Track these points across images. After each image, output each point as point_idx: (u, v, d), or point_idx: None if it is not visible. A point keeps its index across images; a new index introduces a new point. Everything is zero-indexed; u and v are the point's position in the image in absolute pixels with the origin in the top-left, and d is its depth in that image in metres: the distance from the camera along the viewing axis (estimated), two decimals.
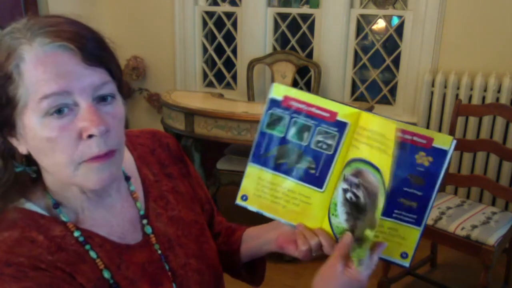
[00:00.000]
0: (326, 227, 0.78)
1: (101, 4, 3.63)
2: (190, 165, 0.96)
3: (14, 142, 0.69)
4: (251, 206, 0.80)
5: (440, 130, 2.75)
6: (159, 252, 0.81)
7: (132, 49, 3.58)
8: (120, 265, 0.75)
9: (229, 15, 3.38)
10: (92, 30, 0.70)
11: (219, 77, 3.56)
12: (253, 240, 0.93)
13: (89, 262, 0.72)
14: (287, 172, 0.78)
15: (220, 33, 3.43)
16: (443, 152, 0.72)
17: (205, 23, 3.48)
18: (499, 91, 2.58)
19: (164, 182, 0.88)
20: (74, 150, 0.66)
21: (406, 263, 0.76)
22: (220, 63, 3.50)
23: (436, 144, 0.72)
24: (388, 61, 3.01)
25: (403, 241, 0.75)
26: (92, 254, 0.72)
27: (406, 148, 0.73)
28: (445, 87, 2.71)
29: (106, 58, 0.69)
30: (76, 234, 0.72)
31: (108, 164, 0.68)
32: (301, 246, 0.77)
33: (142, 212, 0.82)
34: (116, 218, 0.79)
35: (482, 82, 2.59)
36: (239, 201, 0.81)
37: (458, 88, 2.68)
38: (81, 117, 0.65)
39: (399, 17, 2.95)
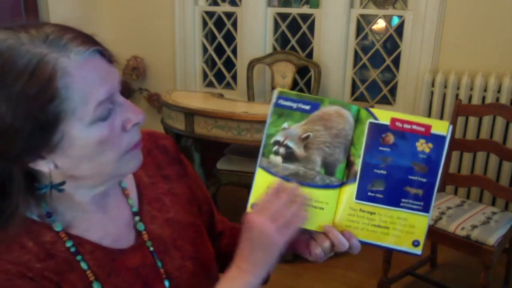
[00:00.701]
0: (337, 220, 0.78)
1: (101, 4, 3.63)
2: (188, 166, 0.95)
3: (38, 163, 0.66)
4: None
5: None
6: (152, 251, 0.80)
7: (132, 49, 3.58)
8: (111, 272, 0.74)
9: (229, 15, 3.38)
10: None
11: (219, 77, 3.56)
12: None
13: (79, 271, 0.71)
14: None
15: (220, 33, 3.43)
16: (442, 138, 0.76)
17: (205, 23, 3.48)
18: (499, 91, 2.58)
19: (160, 184, 0.88)
20: (121, 144, 0.70)
21: (419, 251, 0.77)
22: (220, 63, 3.50)
23: (434, 130, 0.76)
24: (388, 61, 3.01)
25: (414, 229, 0.77)
26: (83, 265, 0.72)
27: (406, 137, 0.76)
28: (445, 87, 2.71)
29: (112, 53, 0.72)
30: (68, 244, 0.72)
31: (140, 148, 0.75)
32: (314, 250, 0.78)
33: (134, 209, 0.82)
34: (112, 221, 0.79)
35: (482, 82, 2.60)
36: (250, 210, 0.80)
37: (458, 88, 2.68)
38: (121, 111, 0.69)
39: (399, 17, 2.95)
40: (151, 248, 0.80)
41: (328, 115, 0.77)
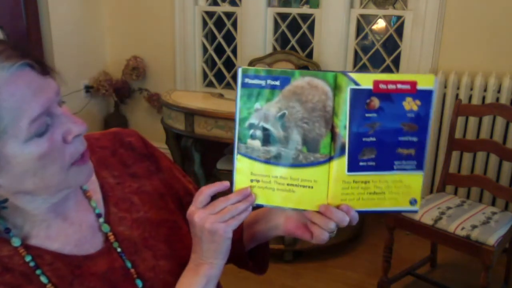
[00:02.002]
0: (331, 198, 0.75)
1: (101, 4, 3.63)
2: (162, 160, 0.93)
3: None
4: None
5: (440, 130, 2.75)
6: (120, 252, 0.78)
7: (132, 49, 3.58)
8: (73, 281, 0.72)
9: (229, 15, 3.38)
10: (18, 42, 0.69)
11: (219, 77, 3.56)
12: (257, 227, 0.87)
13: (37, 284, 0.70)
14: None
15: (220, 33, 3.43)
16: (429, 93, 0.72)
17: (205, 23, 3.48)
18: (499, 91, 2.58)
19: (127, 183, 0.85)
20: (64, 156, 0.68)
21: (416, 208, 0.76)
22: (220, 63, 3.50)
23: (420, 86, 0.72)
24: (388, 61, 3.01)
25: (409, 189, 0.75)
26: (43, 279, 0.70)
27: (392, 98, 0.72)
28: (445, 87, 2.71)
29: (47, 62, 0.69)
30: (27, 259, 0.70)
31: (88, 159, 0.73)
32: (320, 235, 0.74)
33: (97, 211, 0.80)
34: (73, 225, 0.77)
35: (482, 82, 2.59)
36: None
37: (458, 88, 2.68)
38: (61, 123, 0.67)
39: (399, 17, 2.95)
40: (119, 249, 0.78)
41: (301, 88, 0.71)
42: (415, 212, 0.77)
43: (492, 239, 1.91)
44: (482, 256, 1.91)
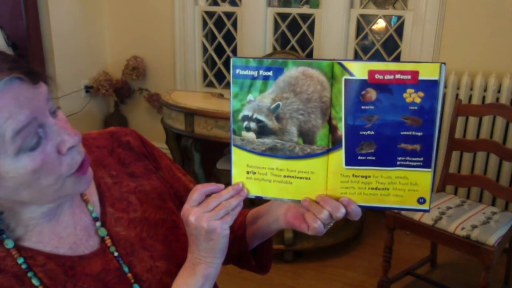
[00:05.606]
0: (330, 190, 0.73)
1: (101, 4, 3.63)
2: (161, 158, 0.92)
3: None
4: (249, 194, 0.75)
5: (440, 130, 2.73)
6: (117, 257, 0.77)
7: (132, 49, 3.58)
8: (67, 283, 0.72)
9: (229, 15, 3.38)
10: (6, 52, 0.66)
11: (219, 77, 3.56)
12: (259, 221, 0.86)
13: (29, 286, 0.69)
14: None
15: (220, 33, 3.43)
16: (433, 83, 0.66)
17: (205, 23, 3.48)
18: (499, 91, 2.58)
19: (125, 182, 0.84)
20: (60, 167, 0.67)
21: (426, 207, 0.71)
22: (220, 63, 3.50)
23: (423, 76, 0.66)
24: (388, 61, 3.01)
25: (417, 187, 0.70)
26: (35, 281, 0.70)
27: (391, 89, 0.66)
28: (445, 87, 2.71)
29: (38, 70, 0.67)
30: (20, 261, 0.70)
31: (88, 168, 0.72)
32: (312, 223, 0.72)
33: (94, 215, 0.78)
34: (67, 228, 0.76)
35: (482, 82, 2.60)
36: None
37: (458, 88, 2.68)
38: (53, 134, 0.66)
39: (399, 17, 2.95)
40: (116, 253, 0.77)
41: (295, 78, 0.69)
42: (426, 211, 0.72)
43: (492, 239, 1.91)
44: (482, 256, 1.91)
